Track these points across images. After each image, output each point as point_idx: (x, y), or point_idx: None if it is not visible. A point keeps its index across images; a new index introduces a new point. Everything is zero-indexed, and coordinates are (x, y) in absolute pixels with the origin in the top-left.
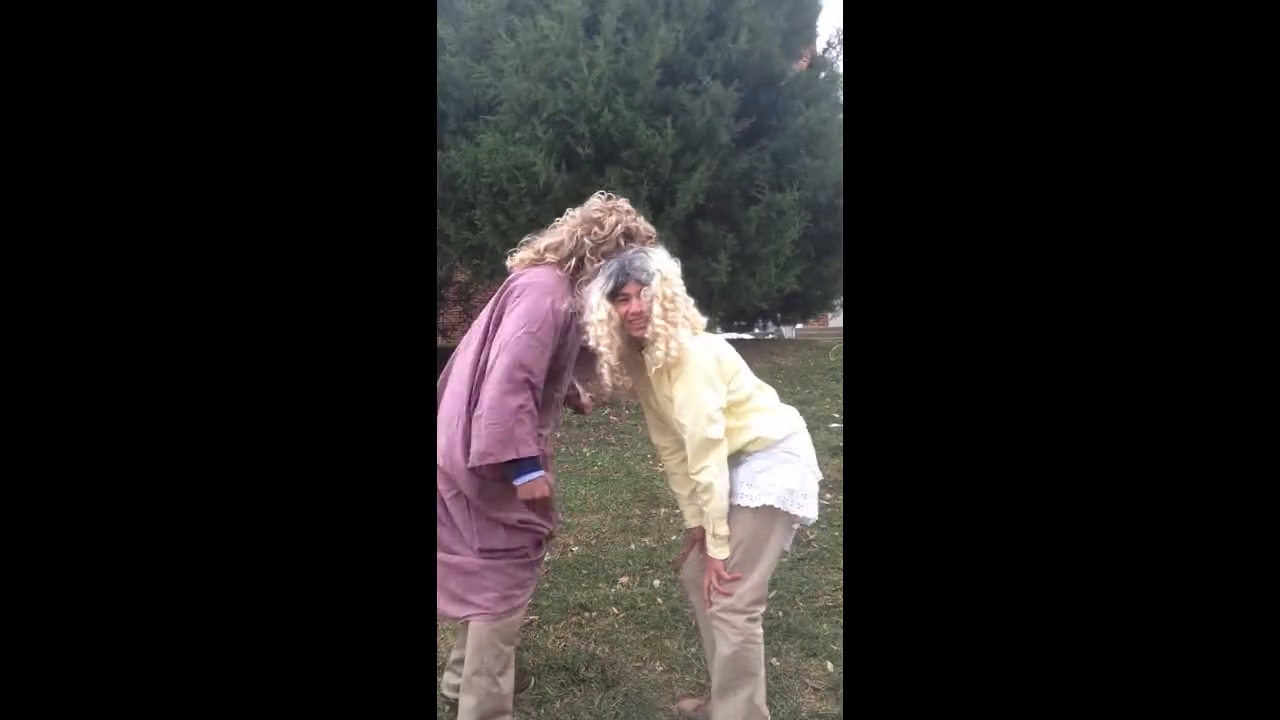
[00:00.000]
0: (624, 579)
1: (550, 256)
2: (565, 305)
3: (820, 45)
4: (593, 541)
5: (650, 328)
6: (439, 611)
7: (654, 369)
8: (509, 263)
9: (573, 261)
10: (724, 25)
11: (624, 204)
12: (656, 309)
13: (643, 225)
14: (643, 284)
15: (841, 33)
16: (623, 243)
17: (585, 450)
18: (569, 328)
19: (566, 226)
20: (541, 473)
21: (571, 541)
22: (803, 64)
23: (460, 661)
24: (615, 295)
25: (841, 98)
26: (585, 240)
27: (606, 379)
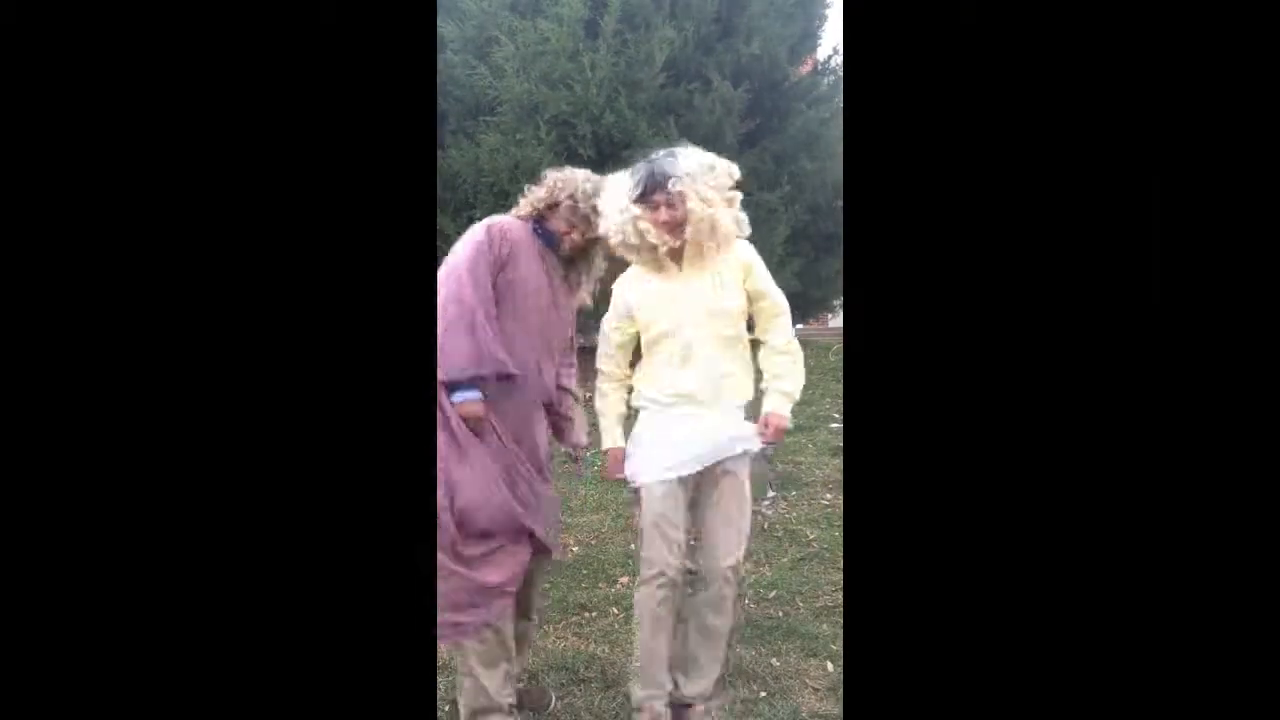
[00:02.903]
0: (624, 579)
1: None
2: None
3: (824, 53)
4: (593, 541)
5: (691, 222)
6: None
7: (703, 245)
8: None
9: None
10: (733, 29)
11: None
12: (693, 203)
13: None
14: (669, 193)
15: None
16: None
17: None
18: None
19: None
20: (474, 393)
21: (571, 541)
22: (805, 68)
23: None
24: (643, 201)
25: (841, 100)
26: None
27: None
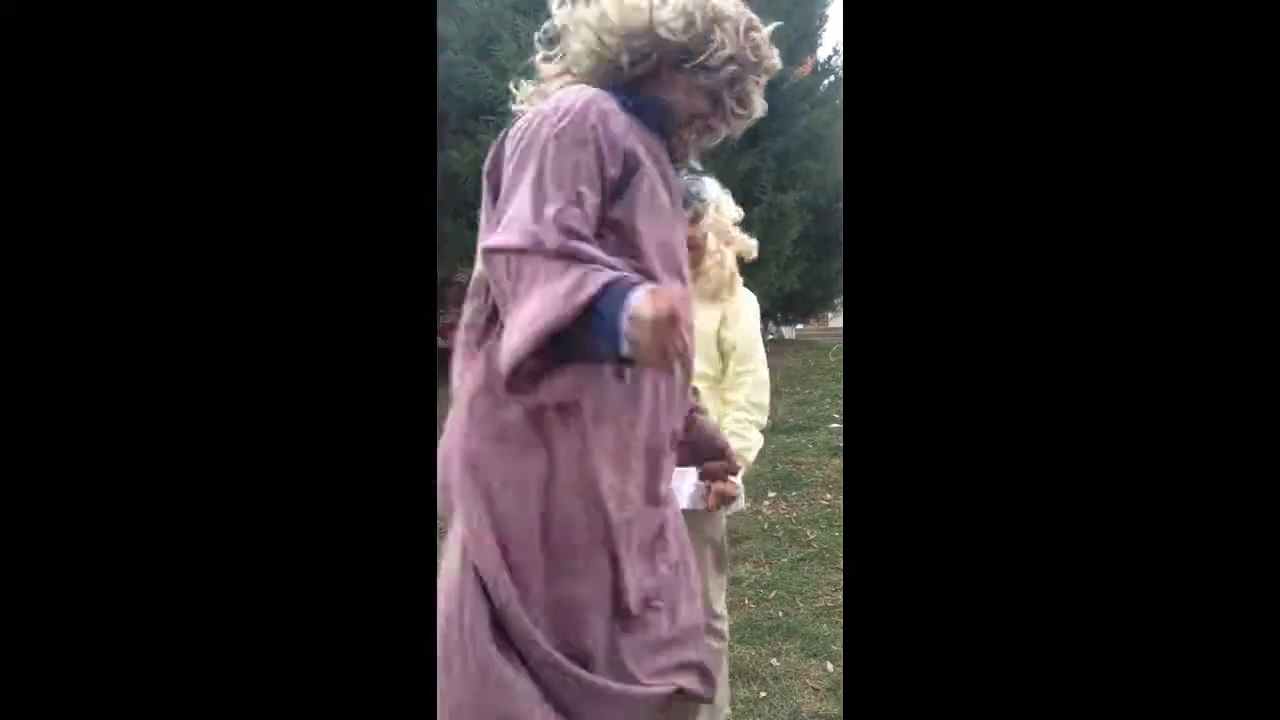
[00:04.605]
0: None
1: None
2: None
3: (824, 53)
4: None
5: (705, 257)
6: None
7: (706, 288)
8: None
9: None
10: None
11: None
12: (712, 240)
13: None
14: (698, 213)
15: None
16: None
17: None
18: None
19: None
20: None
21: None
22: (804, 69)
23: None
24: None
25: (841, 101)
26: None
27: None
